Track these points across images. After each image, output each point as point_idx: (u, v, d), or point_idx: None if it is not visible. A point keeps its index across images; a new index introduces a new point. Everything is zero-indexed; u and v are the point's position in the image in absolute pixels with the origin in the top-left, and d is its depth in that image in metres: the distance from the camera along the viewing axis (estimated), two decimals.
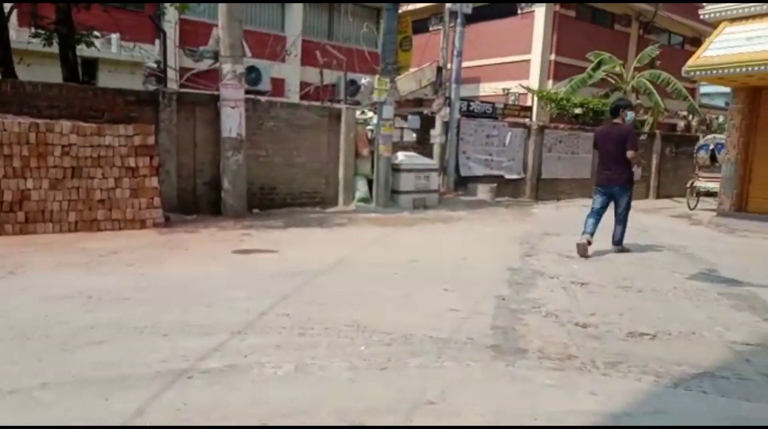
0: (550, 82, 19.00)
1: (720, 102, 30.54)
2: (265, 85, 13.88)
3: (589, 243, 6.80)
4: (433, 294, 4.78)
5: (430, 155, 11.77)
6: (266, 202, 9.26)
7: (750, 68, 9.52)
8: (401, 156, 10.68)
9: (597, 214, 7.03)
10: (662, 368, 3.34)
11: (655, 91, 16.64)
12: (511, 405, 2.80)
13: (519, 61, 19.55)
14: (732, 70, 9.81)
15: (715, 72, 10.17)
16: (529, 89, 17.92)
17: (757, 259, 7.21)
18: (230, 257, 5.92)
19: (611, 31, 21.26)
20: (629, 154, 6.73)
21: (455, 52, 12.19)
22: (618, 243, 7.10)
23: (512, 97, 18.67)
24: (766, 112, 10.83)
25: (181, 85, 13.87)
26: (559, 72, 19.02)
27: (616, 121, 7.03)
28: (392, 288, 4.90)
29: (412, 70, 12.61)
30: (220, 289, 4.64)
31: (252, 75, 12.96)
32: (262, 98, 9.88)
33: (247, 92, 9.14)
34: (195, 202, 8.56)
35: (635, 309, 4.59)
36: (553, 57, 19.34)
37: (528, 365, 3.32)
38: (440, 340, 3.65)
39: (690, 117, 21.09)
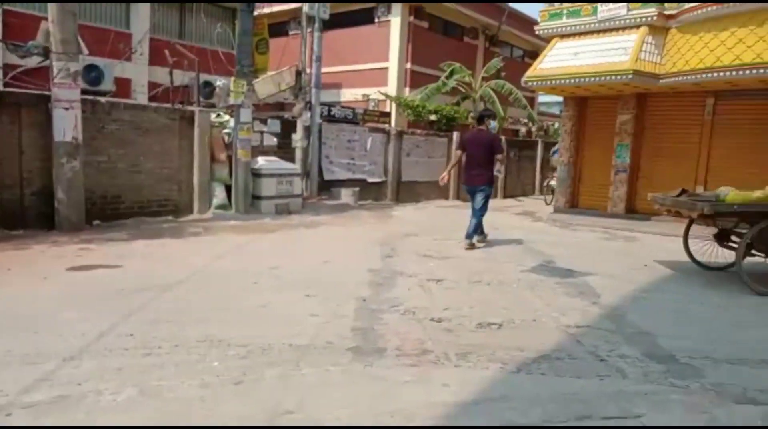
0: (407, 89, 19.79)
1: (556, 110, 34.04)
2: (108, 84, 12.76)
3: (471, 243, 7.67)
4: (293, 301, 4.69)
5: (292, 160, 11.62)
6: (110, 213, 8.45)
7: (576, 80, 10.71)
8: (262, 161, 10.40)
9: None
10: (507, 355, 3.59)
11: (497, 100, 18.01)
12: (369, 405, 2.82)
13: (377, 68, 20.10)
14: (562, 81, 10.97)
15: (548, 83, 11.30)
16: (387, 96, 18.49)
17: (586, 250, 8.09)
18: (65, 275, 5.30)
19: (461, 43, 22.72)
20: (499, 156, 7.63)
21: (314, 57, 12.19)
22: (469, 236, 7.64)
23: (372, 103, 19.15)
24: (591, 119, 12.26)
25: (6, 84, 12.21)
26: (415, 80, 19.88)
27: (481, 127, 7.89)
28: (250, 298, 4.72)
29: (270, 73, 12.33)
30: (51, 312, 4.12)
31: (92, 74, 11.85)
32: (103, 99, 9.01)
33: (86, 92, 8.30)
34: (22, 216, 7.55)
35: (484, 301, 4.90)
36: (409, 65, 20.16)
37: (386, 364, 3.37)
38: (300, 348, 3.58)
39: (530, 124, 23.25)
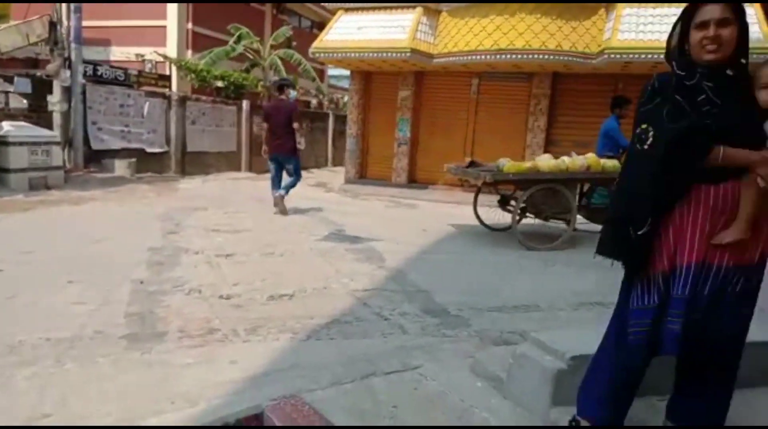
0: (189, 51, 18.42)
1: (346, 84, 34.98)
2: None
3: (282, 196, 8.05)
4: (52, 289, 4.04)
5: (49, 126, 9.95)
6: None
7: (360, 54, 11.06)
8: (8, 126, 8.70)
9: (277, 179, 8.14)
10: (298, 324, 3.59)
11: (283, 69, 17.77)
12: (147, 393, 2.57)
13: (153, 26, 18.28)
14: (347, 54, 11.23)
15: (335, 55, 11.47)
16: (166, 57, 16.97)
17: (374, 218, 8.53)
18: None
19: (248, 7, 21.83)
20: (295, 125, 7.82)
21: (72, 8, 10.50)
22: (286, 188, 8.07)
23: (149, 65, 17.41)
24: (376, 93, 12.82)
25: None
26: (198, 42, 18.60)
27: (281, 97, 8.11)
28: None
29: (15, 21, 10.31)
30: None
31: None
32: None
33: None
34: None
35: (277, 273, 4.83)
36: (190, 26, 18.75)
37: (167, 348, 3.11)
38: (61, 341, 3.11)
39: (320, 96, 23.58)
